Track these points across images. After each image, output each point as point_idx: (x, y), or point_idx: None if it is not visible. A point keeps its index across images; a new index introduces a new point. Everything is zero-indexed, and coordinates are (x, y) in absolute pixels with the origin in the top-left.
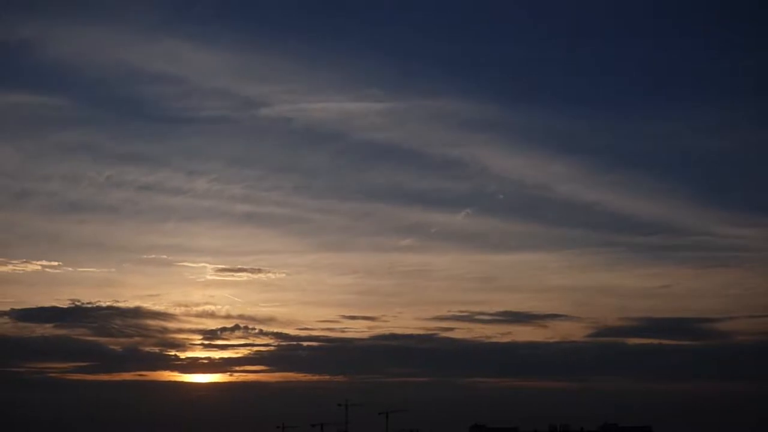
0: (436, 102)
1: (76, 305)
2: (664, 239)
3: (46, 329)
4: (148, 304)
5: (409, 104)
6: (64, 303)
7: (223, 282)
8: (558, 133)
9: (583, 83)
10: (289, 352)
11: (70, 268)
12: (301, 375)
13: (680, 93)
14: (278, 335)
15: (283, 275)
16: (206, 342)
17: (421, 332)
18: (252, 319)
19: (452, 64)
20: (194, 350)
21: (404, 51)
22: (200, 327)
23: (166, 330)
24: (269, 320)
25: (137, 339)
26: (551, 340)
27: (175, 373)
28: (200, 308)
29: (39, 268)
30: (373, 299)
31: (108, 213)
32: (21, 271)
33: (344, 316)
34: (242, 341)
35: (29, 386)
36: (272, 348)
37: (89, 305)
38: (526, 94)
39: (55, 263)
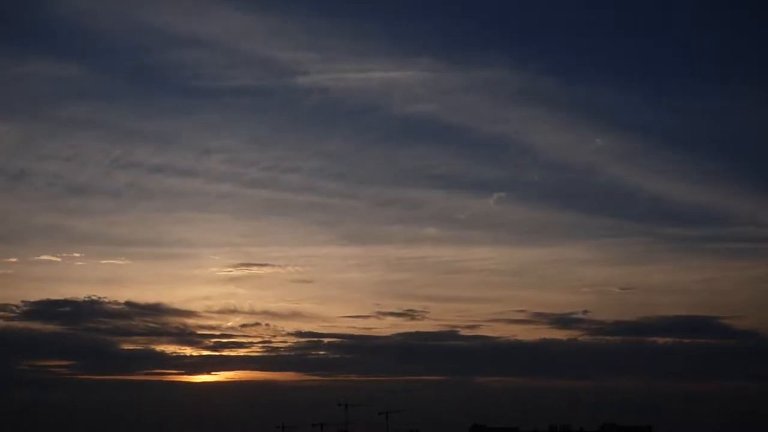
0: (488, 73)
1: (90, 299)
2: (708, 230)
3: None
4: (153, 300)
5: (458, 74)
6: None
7: (244, 276)
8: (610, 110)
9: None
10: (307, 352)
11: (80, 262)
12: (314, 376)
13: (737, 70)
14: (299, 333)
15: (306, 268)
16: (224, 340)
17: (442, 329)
18: (273, 315)
19: (509, 32)
20: (207, 350)
21: (459, 14)
22: (215, 324)
23: (179, 328)
24: (293, 315)
25: (136, 338)
26: (574, 339)
27: (182, 374)
28: (210, 304)
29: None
30: (395, 294)
31: (116, 198)
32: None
33: (359, 316)
34: (258, 339)
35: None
36: (290, 345)
37: (94, 299)
38: (584, 68)
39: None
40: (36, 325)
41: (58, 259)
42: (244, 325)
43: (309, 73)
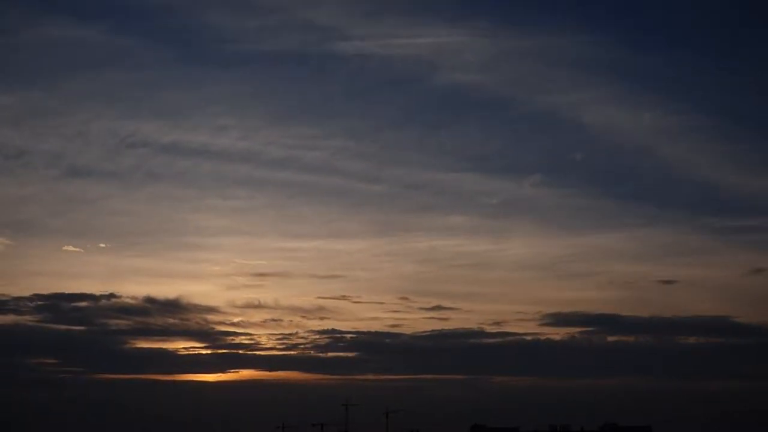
0: (546, 39)
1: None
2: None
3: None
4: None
5: (513, 40)
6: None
7: (266, 268)
8: (675, 88)
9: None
10: (324, 352)
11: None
12: (326, 375)
13: None
14: (321, 331)
15: (332, 261)
16: (243, 340)
17: (464, 328)
18: (297, 310)
19: None
20: (223, 348)
21: None
22: (239, 320)
23: (200, 324)
24: (317, 310)
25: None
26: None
27: (182, 374)
28: (232, 298)
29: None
30: (422, 290)
31: (123, 181)
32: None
33: (385, 311)
34: (278, 336)
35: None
36: (309, 343)
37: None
38: (656, 39)
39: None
40: (48, 321)
41: (79, 250)
42: (265, 320)
43: (350, 38)
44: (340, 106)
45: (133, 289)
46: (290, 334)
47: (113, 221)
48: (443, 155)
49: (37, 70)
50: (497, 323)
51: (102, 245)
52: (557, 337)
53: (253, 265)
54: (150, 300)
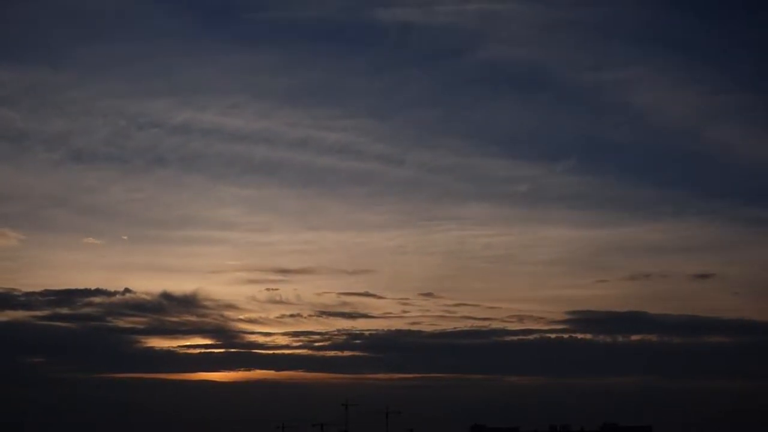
0: (606, 7)
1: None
2: None
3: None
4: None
5: (569, 8)
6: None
7: (288, 262)
8: (739, 69)
9: None
10: (338, 351)
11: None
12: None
13: None
14: (339, 331)
15: (355, 254)
16: (258, 339)
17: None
18: (316, 306)
19: None
20: (238, 347)
21: None
22: (257, 316)
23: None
24: (340, 306)
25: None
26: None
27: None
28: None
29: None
30: (445, 286)
31: (136, 167)
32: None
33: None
34: (292, 335)
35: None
36: (325, 342)
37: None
38: (707, 10)
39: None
40: (56, 318)
41: (99, 242)
42: (282, 316)
43: (391, 5)
44: (365, 82)
45: (148, 284)
46: (308, 332)
47: (124, 212)
48: (473, 137)
49: (39, 43)
50: (520, 319)
51: (116, 238)
52: (582, 337)
53: (273, 259)
54: (166, 296)
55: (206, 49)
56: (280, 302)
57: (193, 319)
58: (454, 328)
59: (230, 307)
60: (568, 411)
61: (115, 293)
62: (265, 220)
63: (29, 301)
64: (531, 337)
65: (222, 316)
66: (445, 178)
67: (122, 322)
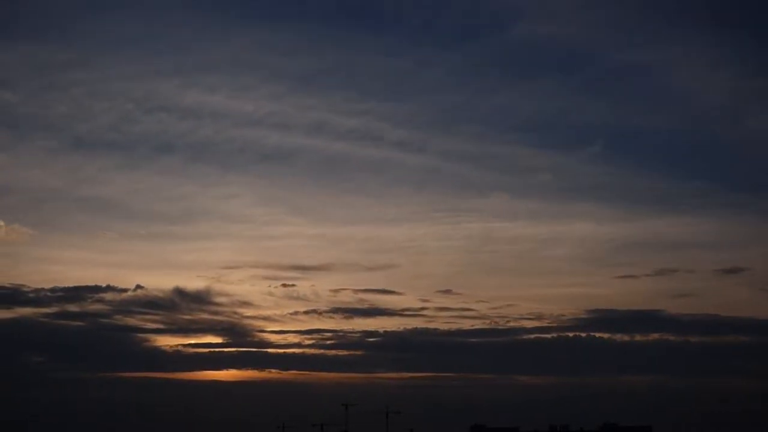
0: None
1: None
2: None
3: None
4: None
5: None
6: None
7: (304, 260)
8: None
9: None
10: (350, 351)
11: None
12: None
13: None
14: (352, 331)
15: (373, 248)
16: (273, 338)
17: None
18: (334, 303)
19: None
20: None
21: None
22: (271, 313)
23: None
24: (358, 302)
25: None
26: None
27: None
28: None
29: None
30: (465, 283)
31: (130, 152)
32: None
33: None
34: (305, 333)
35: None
36: (336, 341)
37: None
38: None
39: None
40: (64, 316)
41: (108, 237)
42: (296, 313)
43: None
44: (384, 64)
45: (160, 280)
46: (320, 330)
47: (132, 205)
48: (495, 123)
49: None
50: (538, 317)
51: (126, 232)
52: (600, 336)
53: (287, 254)
54: (179, 292)
55: (216, 27)
56: (297, 299)
57: (206, 316)
58: (472, 326)
59: (245, 304)
60: (568, 411)
61: (125, 290)
62: (278, 212)
63: (38, 297)
64: (548, 335)
65: (235, 313)
66: (466, 167)
67: (132, 320)
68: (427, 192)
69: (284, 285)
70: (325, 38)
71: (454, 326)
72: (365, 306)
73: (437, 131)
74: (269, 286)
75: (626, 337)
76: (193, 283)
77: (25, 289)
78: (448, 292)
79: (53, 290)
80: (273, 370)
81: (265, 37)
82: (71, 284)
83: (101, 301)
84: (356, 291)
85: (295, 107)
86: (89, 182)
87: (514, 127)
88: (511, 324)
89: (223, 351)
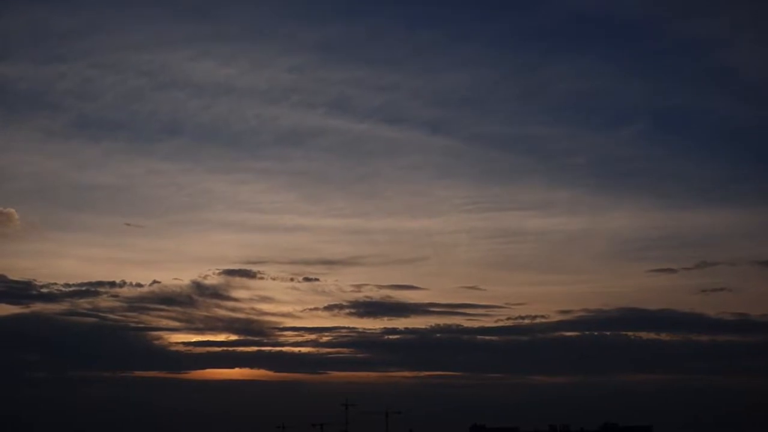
0: None
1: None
2: None
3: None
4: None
5: None
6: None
7: (328, 255)
8: None
9: None
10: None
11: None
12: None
13: None
14: (369, 330)
15: (404, 242)
16: (289, 336)
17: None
18: (354, 300)
19: None
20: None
21: None
22: (289, 310)
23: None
24: (384, 299)
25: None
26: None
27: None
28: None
29: None
30: (492, 278)
31: (154, 137)
32: None
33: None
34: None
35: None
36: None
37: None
38: None
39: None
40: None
41: (123, 229)
42: (315, 308)
43: None
44: (412, 36)
45: (174, 275)
46: (338, 328)
47: (144, 194)
48: (530, 101)
49: None
50: (565, 313)
51: (142, 224)
52: (629, 335)
53: (311, 248)
54: (197, 287)
55: None
56: (320, 293)
57: (223, 312)
58: (495, 323)
59: (265, 299)
60: (568, 411)
61: (140, 285)
62: (298, 201)
63: (50, 293)
64: (571, 333)
65: (254, 309)
66: (499, 151)
67: (146, 317)
68: (455, 178)
69: (306, 279)
70: (350, 6)
71: (475, 324)
72: (388, 302)
73: (467, 110)
74: (291, 280)
75: (652, 335)
76: (211, 277)
77: (37, 284)
78: (473, 288)
79: (65, 285)
80: (284, 373)
81: (282, 4)
82: (83, 280)
83: (115, 296)
84: (380, 287)
85: (316, 81)
86: (98, 167)
87: (549, 105)
88: (533, 322)
89: (236, 350)
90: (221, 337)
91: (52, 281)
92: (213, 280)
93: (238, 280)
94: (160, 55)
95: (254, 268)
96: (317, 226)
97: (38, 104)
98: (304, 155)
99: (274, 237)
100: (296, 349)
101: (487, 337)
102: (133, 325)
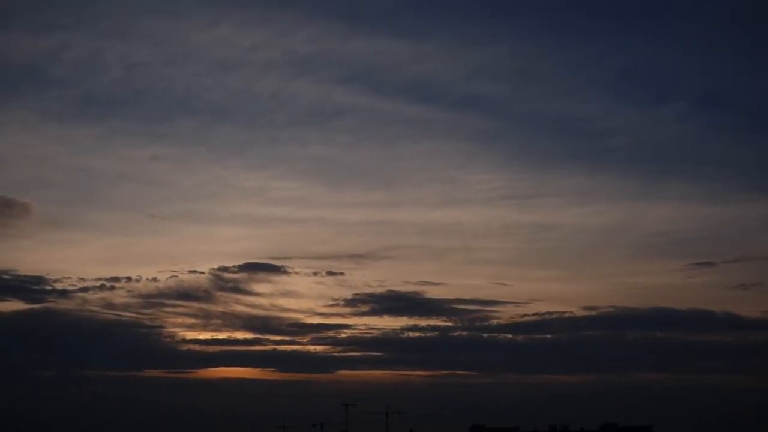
0: None
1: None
2: None
3: None
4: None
5: None
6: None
7: (358, 248)
8: None
9: None
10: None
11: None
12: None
13: None
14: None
15: (441, 232)
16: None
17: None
18: (381, 294)
19: None
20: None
21: None
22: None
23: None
24: (409, 294)
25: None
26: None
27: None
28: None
29: None
30: (518, 275)
31: (164, 117)
32: None
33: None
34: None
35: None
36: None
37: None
38: None
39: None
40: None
41: (136, 220)
42: (336, 304)
43: None
44: (445, 3)
45: (194, 268)
46: (356, 326)
47: (161, 181)
48: (569, 77)
49: None
50: (591, 309)
51: (163, 215)
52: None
53: (335, 240)
54: (219, 278)
55: None
56: (345, 287)
57: (242, 308)
58: (524, 315)
59: (287, 294)
60: (568, 411)
61: (156, 279)
62: (323, 189)
63: (62, 288)
64: (593, 332)
65: (274, 305)
66: (532, 130)
67: (160, 313)
68: (489, 164)
69: (329, 273)
70: None
71: (496, 322)
72: (414, 297)
73: (504, 86)
74: (315, 274)
75: (678, 335)
76: (229, 272)
77: (49, 278)
78: (501, 284)
79: (77, 281)
80: (294, 373)
81: None
82: (97, 275)
83: (130, 291)
84: (406, 282)
85: (341, 49)
86: (106, 154)
87: (586, 81)
88: (558, 317)
89: (251, 349)
90: (237, 335)
91: (66, 276)
92: (232, 274)
93: (258, 275)
94: (167, 23)
95: (276, 263)
96: (340, 216)
97: (35, 81)
98: (322, 138)
99: (296, 228)
100: (311, 348)
101: (503, 335)
102: (147, 322)
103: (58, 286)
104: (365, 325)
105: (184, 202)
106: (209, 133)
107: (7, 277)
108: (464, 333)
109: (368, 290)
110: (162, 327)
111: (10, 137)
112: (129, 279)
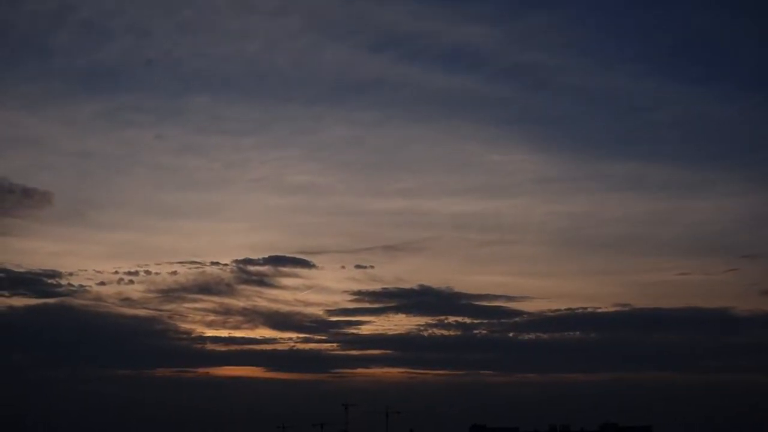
0: None
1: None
2: None
3: None
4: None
5: None
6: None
7: (391, 239)
8: None
9: None
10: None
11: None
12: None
13: None
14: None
15: (473, 226)
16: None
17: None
18: (409, 288)
19: None
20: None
21: None
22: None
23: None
24: (439, 288)
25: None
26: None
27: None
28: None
29: None
30: (544, 271)
31: (174, 95)
32: None
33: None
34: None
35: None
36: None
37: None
38: None
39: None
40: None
41: (149, 209)
42: (360, 299)
43: None
44: None
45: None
46: (377, 323)
47: (180, 169)
48: (615, 46)
49: None
50: (622, 306)
51: (181, 205)
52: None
53: (365, 232)
54: (243, 270)
55: None
56: (373, 281)
57: (264, 303)
58: (553, 309)
59: (310, 287)
60: (568, 411)
61: (175, 273)
62: (352, 176)
63: (71, 284)
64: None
65: (298, 300)
66: (577, 111)
67: (176, 307)
68: (534, 148)
69: (357, 266)
70: None
71: (520, 319)
72: (444, 292)
73: (547, 55)
74: (342, 267)
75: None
76: (254, 264)
77: (61, 272)
78: (525, 278)
79: (89, 277)
80: (303, 373)
81: None
82: (112, 268)
83: (148, 284)
84: (434, 276)
85: (377, 11)
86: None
87: (634, 52)
88: (583, 312)
89: (265, 348)
90: (256, 334)
91: (82, 269)
92: (257, 267)
93: (284, 268)
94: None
95: (304, 256)
96: (372, 206)
97: (30, 56)
98: (346, 117)
99: (325, 219)
100: (327, 346)
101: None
102: (166, 318)
103: (74, 280)
104: (388, 321)
105: (197, 192)
106: (229, 111)
107: (20, 270)
108: (484, 331)
109: (398, 283)
110: (179, 324)
111: (7, 113)
112: (148, 272)
